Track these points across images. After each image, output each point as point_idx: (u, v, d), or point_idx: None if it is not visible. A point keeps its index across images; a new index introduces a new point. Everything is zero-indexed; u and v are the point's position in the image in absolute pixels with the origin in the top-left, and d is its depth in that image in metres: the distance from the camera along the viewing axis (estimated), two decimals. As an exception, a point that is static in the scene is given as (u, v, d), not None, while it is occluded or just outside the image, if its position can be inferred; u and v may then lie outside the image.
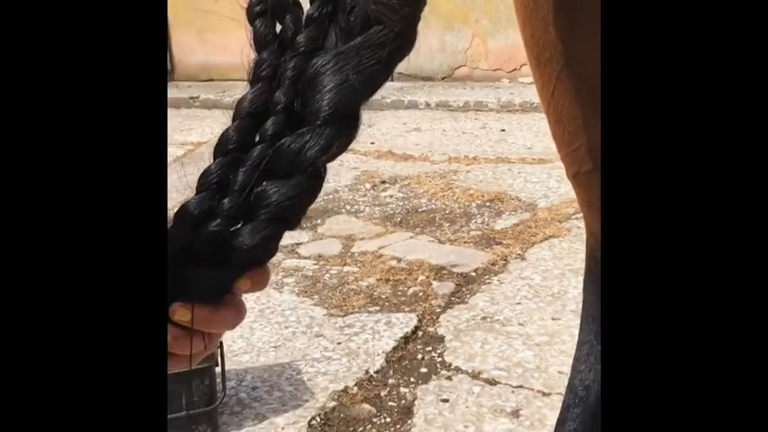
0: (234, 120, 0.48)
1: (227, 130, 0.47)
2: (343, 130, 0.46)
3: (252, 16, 0.48)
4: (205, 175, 0.47)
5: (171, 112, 7.12)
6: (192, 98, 7.41)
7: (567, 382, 1.00)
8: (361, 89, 0.45)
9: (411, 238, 3.59)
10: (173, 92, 7.78)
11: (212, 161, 0.47)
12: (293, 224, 0.47)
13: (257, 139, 0.47)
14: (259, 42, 0.48)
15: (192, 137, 6.04)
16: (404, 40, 0.46)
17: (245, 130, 0.47)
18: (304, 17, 0.47)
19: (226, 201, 0.46)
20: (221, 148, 0.48)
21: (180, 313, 0.48)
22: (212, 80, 8.24)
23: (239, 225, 0.46)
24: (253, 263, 0.47)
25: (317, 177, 0.46)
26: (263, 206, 0.46)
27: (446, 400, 2.25)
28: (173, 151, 5.61)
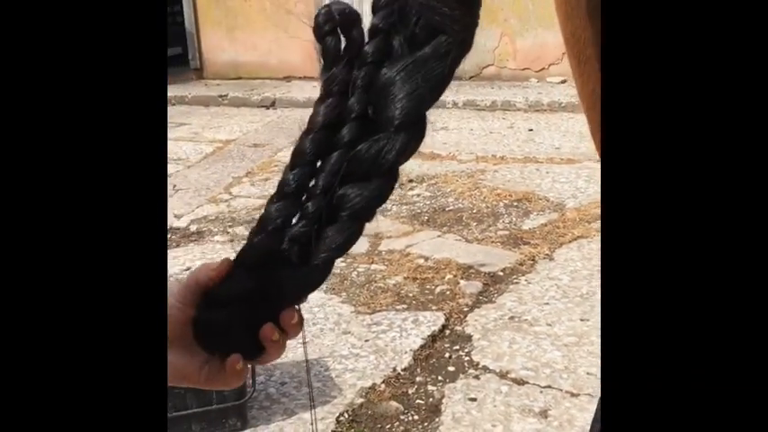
0: (308, 133, 0.50)
1: (302, 141, 0.50)
2: (414, 134, 0.49)
3: (320, 35, 0.50)
4: (283, 184, 0.50)
5: (200, 110, 7.19)
6: (220, 96, 7.47)
7: (597, 384, 1.00)
8: (429, 96, 0.48)
9: (438, 236, 3.59)
10: (201, 90, 7.85)
11: (288, 171, 0.50)
12: (370, 221, 0.50)
13: (334, 146, 0.49)
14: (329, 59, 0.50)
15: (221, 134, 6.09)
16: (465, 47, 0.48)
17: (321, 140, 0.49)
18: (368, 28, 0.49)
19: (309, 204, 0.49)
20: (298, 158, 0.50)
21: (291, 317, 0.51)
22: (241, 78, 8.30)
23: (323, 226, 0.49)
24: (336, 258, 0.50)
25: (393, 178, 0.49)
26: (345, 207, 0.49)
27: (474, 399, 2.25)
28: (202, 148, 5.66)
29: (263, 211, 0.50)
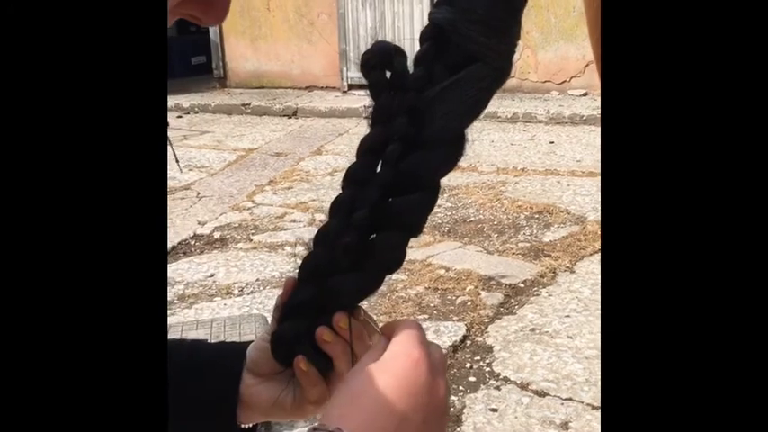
0: (357, 158, 0.55)
1: (351, 165, 0.55)
2: (454, 150, 0.53)
3: (367, 70, 0.55)
4: (337, 203, 0.54)
5: (223, 119, 7.27)
6: (243, 105, 7.55)
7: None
8: (464, 116, 0.53)
9: (459, 247, 3.61)
10: (225, 99, 7.94)
11: (341, 192, 0.55)
12: (418, 232, 0.55)
13: (381, 165, 0.54)
14: (375, 90, 0.55)
15: (244, 143, 6.15)
16: (503, 73, 0.53)
17: (368, 163, 0.54)
18: (413, 58, 0.54)
19: (358, 216, 0.53)
20: (348, 179, 0.55)
21: (343, 321, 0.54)
22: (263, 87, 8.37)
23: (373, 237, 0.54)
24: (387, 268, 0.54)
25: (436, 191, 0.54)
26: (393, 219, 0.53)
27: (495, 410, 2.26)
28: (225, 157, 5.72)
29: (318, 228, 0.54)
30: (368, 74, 0.54)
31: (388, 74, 0.54)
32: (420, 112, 0.53)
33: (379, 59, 0.54)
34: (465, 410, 2.27)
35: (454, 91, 0.52)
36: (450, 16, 0.52)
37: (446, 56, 0.53)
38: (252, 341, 0.63)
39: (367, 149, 0.54)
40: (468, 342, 2.69)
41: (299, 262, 0.56)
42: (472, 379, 2.44)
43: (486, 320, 2.83)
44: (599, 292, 2.97)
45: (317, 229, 0.55)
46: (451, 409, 2.28)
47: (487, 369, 2.50)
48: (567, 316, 2.84)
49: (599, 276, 3.14)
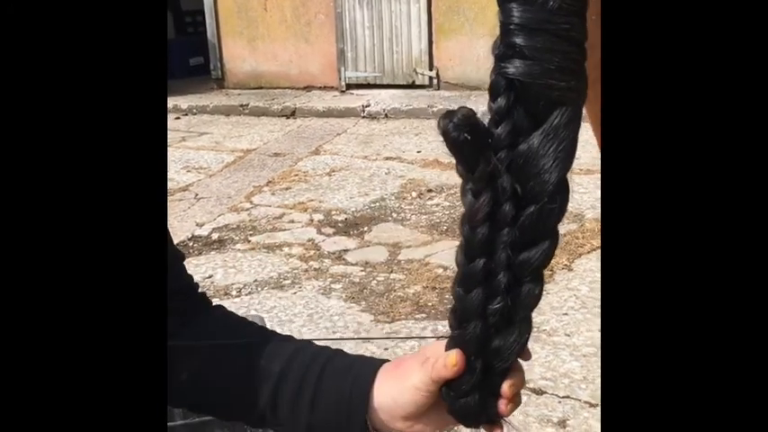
0: (472, 226, 0.57)
1: (469, 235, 0.57)
2: (564, 196, 0.56)
3: (450, 141, 0.55)
4: (468, 275, 0.57)
5: (221, 119, 7.27)
6: (241, 105, 7.55)
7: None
8: (567, 162, 0.55)
9: (457, 246, 3.61)
10: (223, 99, 7.93)
11: (466, 263, 0.57)
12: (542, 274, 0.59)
13: (498, 227, 0.57)
14: (463, 158, 0.56)
15: (242, 144, 6.16)
16: (582, 106, 0.55)
17: (486, 230, 0.56)
18: (494, 111, 0.55)
19: (497, 280, 0.56)
20: (472, 249, 0.57)
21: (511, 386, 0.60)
22: (261, 88, 8.37)
23: (513, 289, 0.58)
24: (530, 313, 0.59)
25: (558, 238, 0.57)
26: (526, 271, 0.57)
27: (492, 408, 2.26)
28: (223, 158, 5.73)
29: (458, 302, 0.58)
30: (452, 144, 0.55)
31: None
32: (520, 167, 0.54)
33: (460, 125, 0.55)
34: (463, 409, 2.27)
35: (551, 140, 0.54)
36: (527, 69, 0.52)
37: (526, 105, 0.54)
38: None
39: (484, 217, 0.56)
40: (466, 341, 2.69)
41: (452, 340, 0.61)
42: (470, 378, 2.45)
43: (484, 319, 2.83)
44: (597, 290, 2.97)
45: (450, 313, 0.60)
46: (449, 408, 2.29)
47: (485, 368, 2.50)
48: (565, 314, 2.84)
49: (597, 274, 3.15)
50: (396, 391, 0.66)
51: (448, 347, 0.62)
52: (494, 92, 0.54)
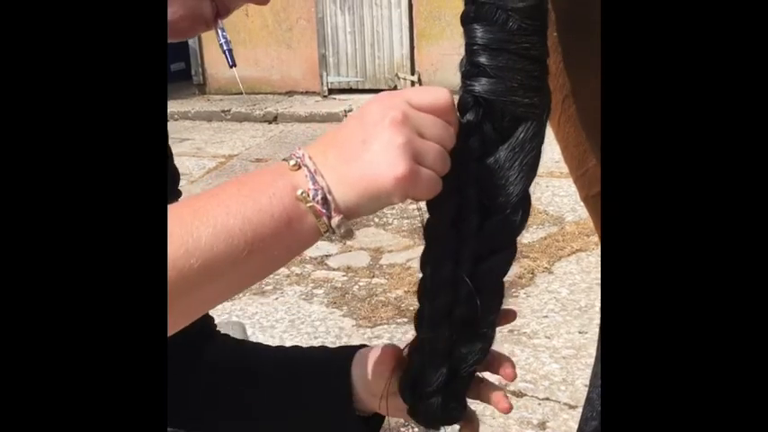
0: (438, 234, 0.60)
1: (438, 236, 0.59)
2: (526, 208, 0.58)
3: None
4: (439, 277, 0.59)
5: (203, 125, 7.24)
6: (223, 111, 7.53)
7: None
8: (529, 176, 0.57)
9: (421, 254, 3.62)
10: (204, 105, 7.91)
11: (431, 266, 0.60)
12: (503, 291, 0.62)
13: (465, 234, 0.58)
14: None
15: (224, 149, 6.14)
16: (546, 121, 0.57)
17: (452, 236, 0.58)
18: (464, 126, 0.57)
19: (466, 289, 0.58)
20: (437, 254, 0.60)
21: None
22: (243, 93, 8.36)
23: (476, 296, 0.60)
24: (494, 320, 0.62)
25: (516, 248, 0.60)
26: (489, 277, 0.59)
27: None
28: (205, 164, 5.71)
29: (424, 309, 0.60)
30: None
31: None
32: (486, 179, 0.56)
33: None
34: (444, 413, 2.28)
35: (516, 155, 0.56)
36: (492, 87, 0.54)
37: (493, 121, 0.56)
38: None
39: (448, 223, 0.58)
40: (448, 344, 2.70)
41: (410, 346, 0.63)
42: (451, 381, 2.46)
43: (465, 323, 2.84)
44: (576, 293, 2.99)
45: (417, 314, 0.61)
46: (430, 412, 2.30)
47: (466, 371, 2.51)
48: (545, 316, 2.86)
49: (577, 277, 3.16)
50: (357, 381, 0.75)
51: (410, 351, 0.64)
52: (462, 108, 0.57)
